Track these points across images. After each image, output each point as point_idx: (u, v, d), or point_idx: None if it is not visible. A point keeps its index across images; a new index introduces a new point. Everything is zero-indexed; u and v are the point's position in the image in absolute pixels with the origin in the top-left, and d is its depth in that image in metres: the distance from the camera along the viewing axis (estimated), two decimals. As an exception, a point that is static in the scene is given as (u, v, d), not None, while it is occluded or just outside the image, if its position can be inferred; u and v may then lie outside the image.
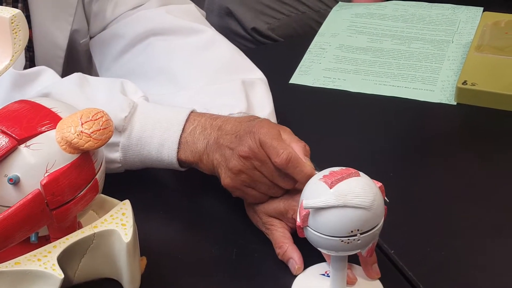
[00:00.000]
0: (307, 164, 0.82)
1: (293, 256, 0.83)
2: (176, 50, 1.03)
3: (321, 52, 1.23)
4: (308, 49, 1.24)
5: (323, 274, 0.82)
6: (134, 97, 0.92)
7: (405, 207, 0.93)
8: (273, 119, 0.97)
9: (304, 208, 0.73)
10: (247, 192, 0.86)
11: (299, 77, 1.18)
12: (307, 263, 0.83)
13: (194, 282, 0.84)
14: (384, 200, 0.76)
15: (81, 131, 0.75)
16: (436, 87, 1.14)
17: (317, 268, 0.83)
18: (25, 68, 1.01)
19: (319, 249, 0.77)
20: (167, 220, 0.92)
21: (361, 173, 0.75)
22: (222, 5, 1.48)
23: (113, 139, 0.88)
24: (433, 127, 1.10)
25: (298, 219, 0.75)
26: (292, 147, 0.83)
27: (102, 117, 0.76)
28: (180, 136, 0.89)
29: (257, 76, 1.01)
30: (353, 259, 0.82)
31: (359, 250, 0.76)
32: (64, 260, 0.76)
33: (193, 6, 1.10)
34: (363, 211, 0.72)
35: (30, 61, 1.07)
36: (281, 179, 0.84)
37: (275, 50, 1.35)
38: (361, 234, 0.73)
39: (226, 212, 0.92)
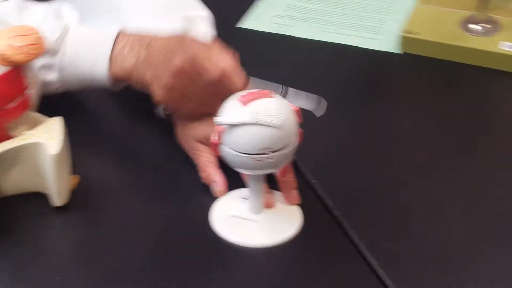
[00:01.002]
0: (239, 79, 0.84)
1: (216, 179, 0.86)
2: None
3: (273, 0, 1.25)
4: (261, -3, 1.26)
5: (244, 198, 0.84)
6: (68, 20, 0.94)
7: (334, 141, 0.95)
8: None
9: (219, 125, 0.76)
10: (179, 108, 0.88)
11: (247, 22, 1.20)
12: (231, 189, 0.86)
13: (121, 202, 0.87)
14: (300, 123, 0.78)
15: (12, 45, 0.78)
16: (382, 36, 1.16)
17: (239, 192, 0.85)
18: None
19: (234, 168, 0.79)
20: (103, 143, 0.95)
21: (276, 94, 0.77)
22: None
23: (48, 61, 0.91)
24: (377, 75, 1.12)
25: (213, 137, 0.77)
26: (224, 61, 0.85)
27: (34, 32, 0.79)
28: (111, 53, 0.90)
29: (202, 14, 1.04)
30: (274, 187, 0.85)
31: (272, 169, 0.78)
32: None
33: None
34: (274, 129, 0.75)
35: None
36: (213, 95, 0.85)
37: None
38: (272, 152, 0.76)
39: (157, 137, 0.94)
